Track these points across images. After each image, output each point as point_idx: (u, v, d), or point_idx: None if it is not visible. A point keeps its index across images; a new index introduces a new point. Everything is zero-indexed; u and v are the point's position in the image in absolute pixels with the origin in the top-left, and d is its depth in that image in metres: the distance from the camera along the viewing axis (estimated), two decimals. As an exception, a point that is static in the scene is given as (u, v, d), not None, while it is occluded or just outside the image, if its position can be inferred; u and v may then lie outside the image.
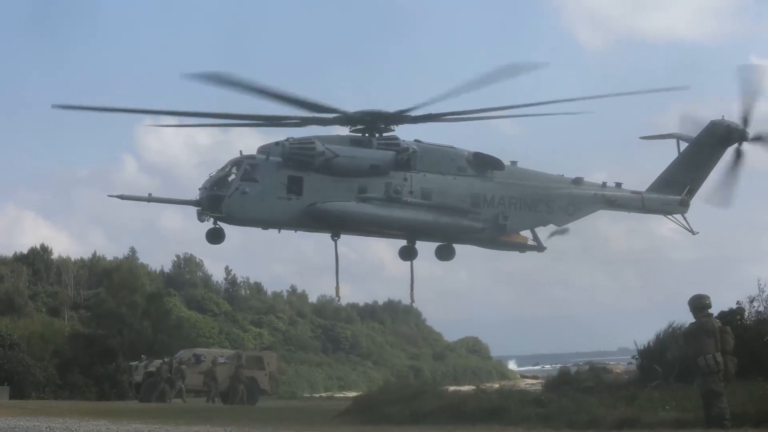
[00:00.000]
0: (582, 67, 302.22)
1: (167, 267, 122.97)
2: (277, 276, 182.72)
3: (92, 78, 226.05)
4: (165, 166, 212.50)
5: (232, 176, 33.24)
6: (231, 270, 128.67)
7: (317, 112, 33.76)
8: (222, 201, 32.80)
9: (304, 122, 34.62)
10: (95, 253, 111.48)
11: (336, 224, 34.36)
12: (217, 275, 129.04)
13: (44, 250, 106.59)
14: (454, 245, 36.85)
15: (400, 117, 34.51)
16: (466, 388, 48.48)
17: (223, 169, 33.63)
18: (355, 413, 30.88)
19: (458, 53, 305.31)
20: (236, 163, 33.46)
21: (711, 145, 39.47)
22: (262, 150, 33.87)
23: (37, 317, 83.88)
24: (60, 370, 64.08)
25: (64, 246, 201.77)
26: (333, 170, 33.74)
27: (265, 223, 34.36)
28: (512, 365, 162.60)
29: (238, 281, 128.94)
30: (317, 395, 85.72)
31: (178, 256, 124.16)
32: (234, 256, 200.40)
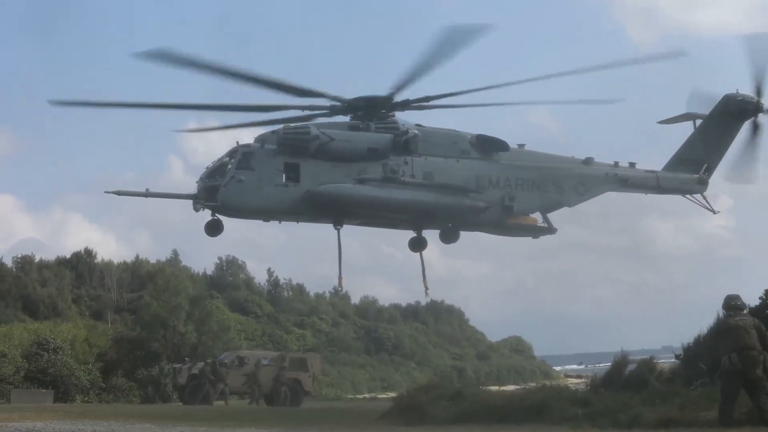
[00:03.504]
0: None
1: (210, 269, 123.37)
2: (320, 276, 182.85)
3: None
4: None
5: (229, 166, 32.55)
6: (273, 272, 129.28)
7: (311, 97, 32.92)
8: (218, 191, 32.12)
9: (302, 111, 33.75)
10: (137, 256, 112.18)
11: (333, 208, 33.25)
12: (260, 277, 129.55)
13: (87, 254, 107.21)
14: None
15: (399, 103, 33.61)
16: (509, 387, 48.25)
17: (220, 159, 32.98)
18: (398, 413, 30.80)
19: (508, 51, 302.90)
20: (232, 152, 32.81)
21: (726, 119, 38.65)
22: (259, 138, 33.31)
23: (80, 321, 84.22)
24: (104, 374, 64.22)
25: (110, 248, 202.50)
26: (330, 155, 32.86)
27: (263, 213, 33.43)
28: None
29: (281, 283, 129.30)
30: (361, 396, 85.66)
31: (220, 258, 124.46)
32: (276, 258, 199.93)
